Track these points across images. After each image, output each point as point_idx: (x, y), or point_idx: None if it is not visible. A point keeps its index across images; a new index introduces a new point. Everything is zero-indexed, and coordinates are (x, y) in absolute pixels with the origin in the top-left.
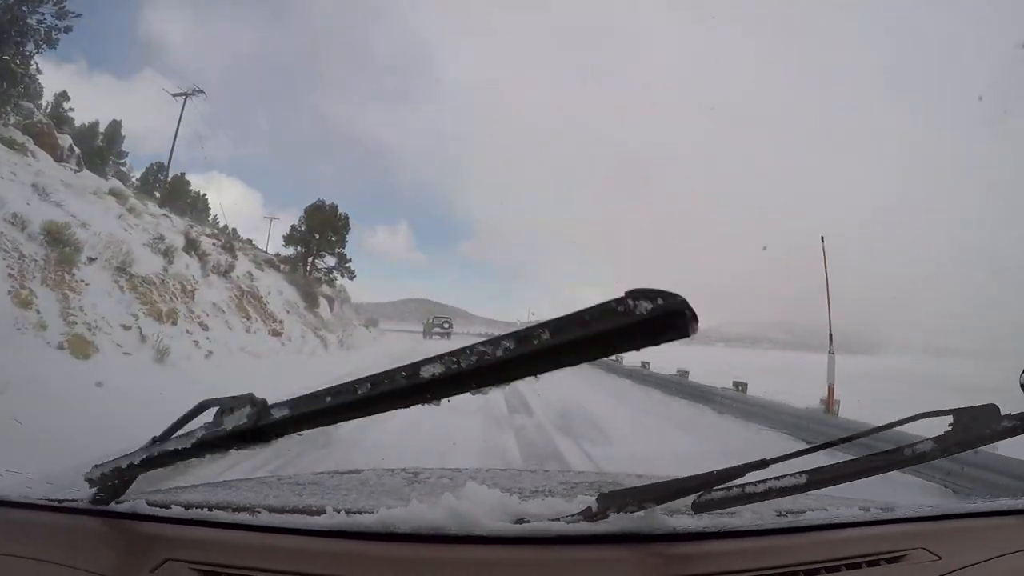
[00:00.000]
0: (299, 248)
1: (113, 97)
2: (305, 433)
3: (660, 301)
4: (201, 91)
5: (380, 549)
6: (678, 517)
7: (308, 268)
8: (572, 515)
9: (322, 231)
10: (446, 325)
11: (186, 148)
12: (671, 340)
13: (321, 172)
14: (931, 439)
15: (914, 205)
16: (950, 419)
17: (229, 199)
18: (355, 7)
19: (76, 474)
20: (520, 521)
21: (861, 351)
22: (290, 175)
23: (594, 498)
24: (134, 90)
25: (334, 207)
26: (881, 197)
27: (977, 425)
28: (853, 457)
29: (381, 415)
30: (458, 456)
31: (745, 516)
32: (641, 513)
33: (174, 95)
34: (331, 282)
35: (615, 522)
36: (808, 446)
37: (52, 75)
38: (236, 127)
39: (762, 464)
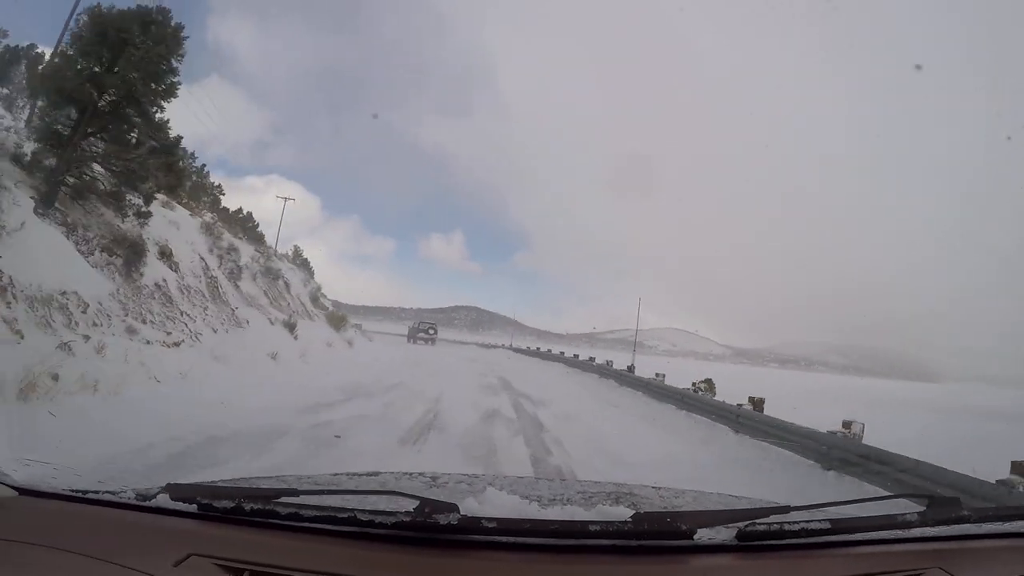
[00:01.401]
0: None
1: (179, 101)
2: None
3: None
4: None
5: (401, 553)
6: (701, 532)
7: (66, 163)
8: (604, 527)
9: (115, 71)
10: (431, 331)
11: (250, 152)
12: None
13: (380, 179)
14: (917, 512)
15: (977, 231)
16: (926, 501)
17: (289, 203)
18: (419, 21)
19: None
20: (549, 529)
21: (919, 378)
22: (350, 181)
23: (611, 506)
24: (201, 95)
25: (163, 10)
26: (943, 223)
27: (945, 509)
28: (842, 500)
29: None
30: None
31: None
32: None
33: None
34: (147, 195)
35: (646, 537)
36: (823, 502)
37: None
38: (299, 134)
39: (785, 509)
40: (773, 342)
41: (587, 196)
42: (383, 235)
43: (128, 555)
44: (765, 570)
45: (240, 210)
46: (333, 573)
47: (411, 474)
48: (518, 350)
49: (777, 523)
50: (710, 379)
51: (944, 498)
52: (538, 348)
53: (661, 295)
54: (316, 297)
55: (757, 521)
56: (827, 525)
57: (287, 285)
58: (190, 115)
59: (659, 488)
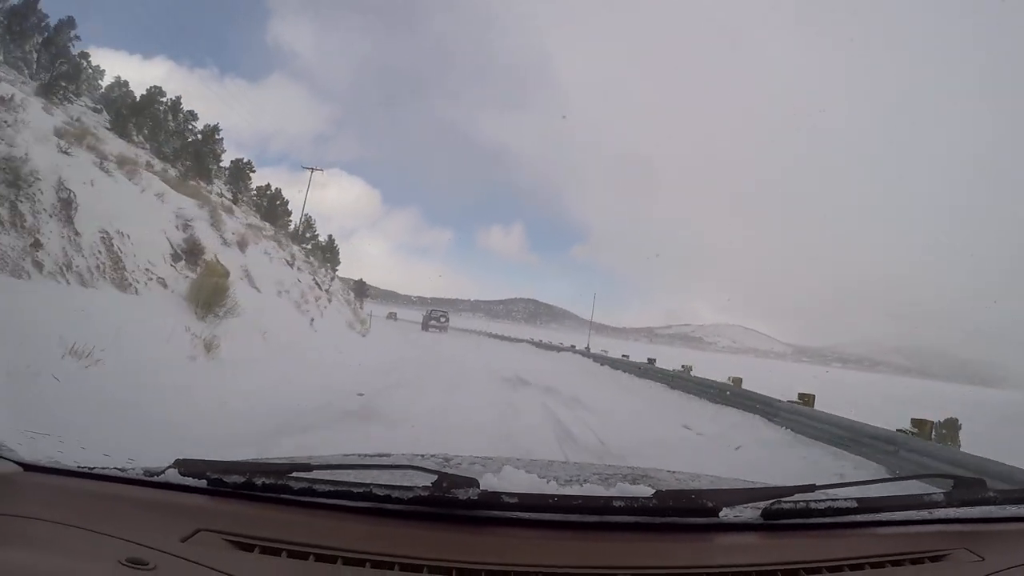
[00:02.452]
0: None
1: (244, 100)
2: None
3: None
4: None
5: (419, 528)
6: (726, 511)
7: None
8: (628, 504)
9: None
10: (442, 319)
11: (313, 147)
12: None
13: (439, 172)
14: (943, 493)
15: None
16: (951, 482)
17: (351, 195)
18: (474, 16)
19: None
20: (572, 505)
21: (985, 383)
22: (409, 175)
23: (632, 484)
24: (264, 94)
25: None
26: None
27: (971, 490)
28: (867, 479)
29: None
30: None
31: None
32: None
33: None
34: None
35: (670, 514)
36: (850, 480)
37: (185, 80)
38: (359, 129)
39: (811, 488)
40: (836, 340)
41: (644, 189)
42: (441, 226)
43: (135, 530)
44: (791, 548)
45: (268, 186)
46: (348, 548)
47: (424, 455)
48: (602, 358)
49: (803, 501)
50: None
51: (969, 479)
52: (650, 361)
53: (720, 290)
54: (197, 250)
55: (783, 499)
56: (853, 504)
57: (69, 207)
58: (249, 112)
59: (675, 472)
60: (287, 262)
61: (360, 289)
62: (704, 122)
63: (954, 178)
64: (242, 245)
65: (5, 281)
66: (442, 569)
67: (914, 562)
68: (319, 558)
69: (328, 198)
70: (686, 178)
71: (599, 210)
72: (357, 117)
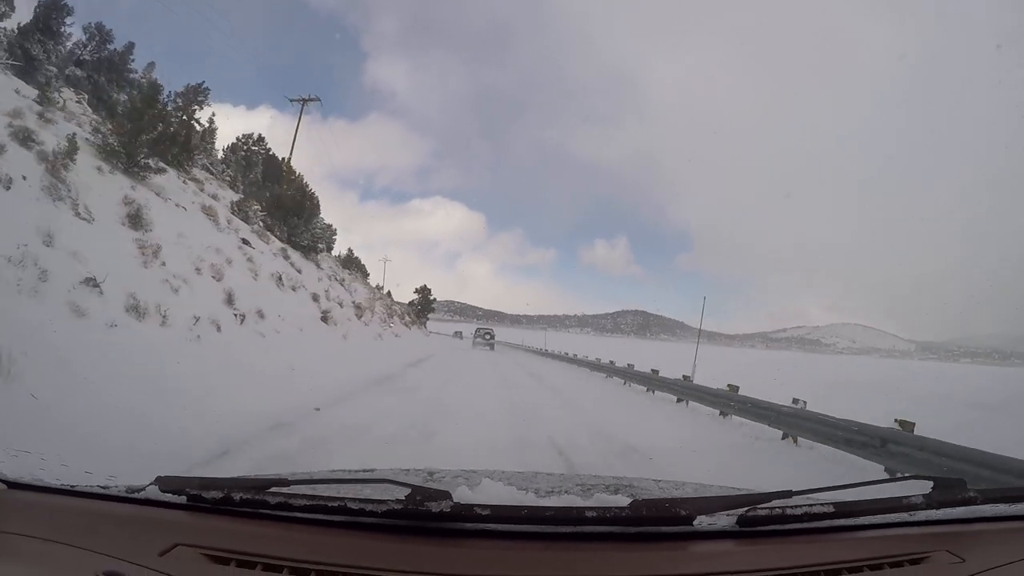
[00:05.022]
0: None
1: (346, 141)
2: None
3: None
4: None
5: (392, 542)
6: (701, 519)
7: None
8: (601, 514)
9: None
10: (488, 336)
11: (415, 178)
12: None
13: (540, 192)
14: (922, 495)
15: None
16: (931, 483)
17: (454, 221)
18: (563, 37)
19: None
20: (545, 516)
21: None
22: (510, 197)
23: (610, 495)
24: (365, 132)
25: None
26: None
27: (951, 491)
28: (846, 484)
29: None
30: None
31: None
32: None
33: None
34: None
35: (645, 523)
36: (829, 486)
37: (289, 126)
38: (458, 157)
39: (788, 494)
40: (962, 333)
41: (744, 191)
42: (545, 245)
43: (114, 545)
44: (766, 555)
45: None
46: (322, 562)
47: (408, 470)
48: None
49: (779, 508)
50: None
51: (950, 480)
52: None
53: (835, 289)
54: None
55: (758, 506)
56: (830, 509)
57: None
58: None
59: (659, 480)
60: None
61: (424, 304)
62: (798, 120)
63: None
64: None
65: None
66: None
67: (893, 565)
68: (293, 571)
69: (432, 226)
70: (786, 177)
71: (700, 217)
72: (455, 146)
